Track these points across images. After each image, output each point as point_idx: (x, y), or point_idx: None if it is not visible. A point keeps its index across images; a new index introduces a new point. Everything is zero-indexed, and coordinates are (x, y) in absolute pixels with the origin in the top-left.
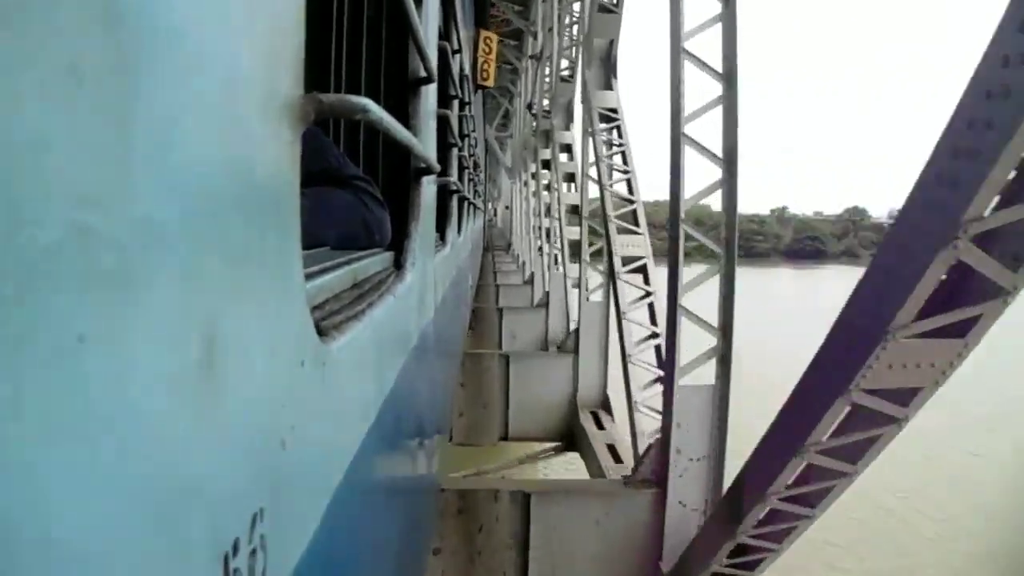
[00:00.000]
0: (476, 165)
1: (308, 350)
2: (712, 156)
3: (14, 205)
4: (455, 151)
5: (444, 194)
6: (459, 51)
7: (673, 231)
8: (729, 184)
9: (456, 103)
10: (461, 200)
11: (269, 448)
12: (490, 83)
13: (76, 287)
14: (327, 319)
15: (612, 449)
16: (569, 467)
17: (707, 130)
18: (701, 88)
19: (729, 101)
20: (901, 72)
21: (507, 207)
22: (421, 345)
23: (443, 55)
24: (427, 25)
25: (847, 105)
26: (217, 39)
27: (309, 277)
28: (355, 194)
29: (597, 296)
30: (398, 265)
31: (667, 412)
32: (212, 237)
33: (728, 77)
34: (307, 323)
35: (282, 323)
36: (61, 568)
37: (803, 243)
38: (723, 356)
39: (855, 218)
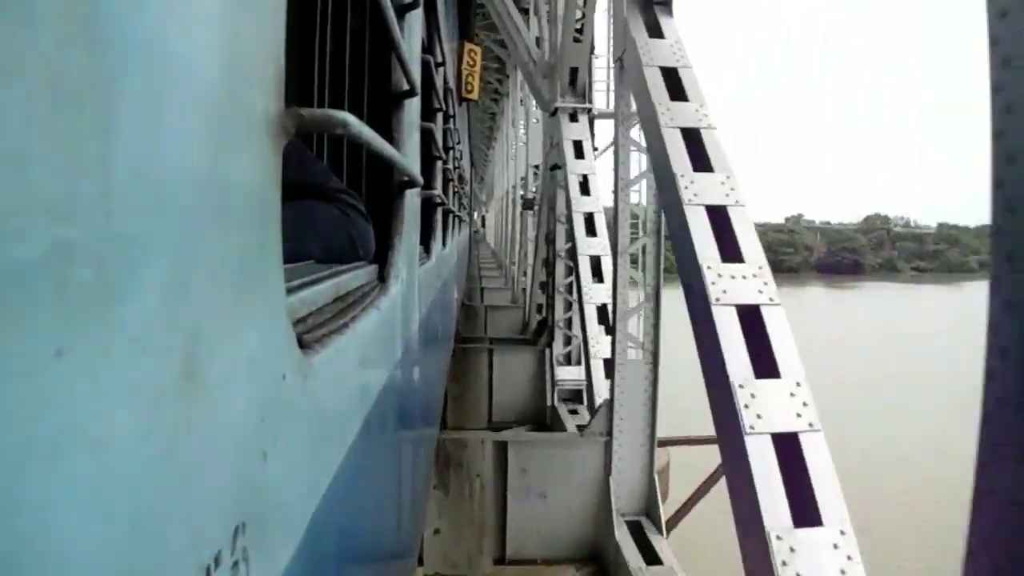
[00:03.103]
0: (461, 178)
1: (290, 363)
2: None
3: None
4: (439, 164)
5: (428, 207)
6: (443, 64)
7: (614, 256)
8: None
9: (440, 116)
10: (446, 213)
11: (250, 461)
12: (475, 96)
13: (54, 301)
14: (309, 332)
15: (581, 428)
16: None
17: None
18: None
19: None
20: (905, 75)
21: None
22: (406, 357)
23: (426, 68)
24: (410, 38)
25: (855, 109)
26: (198, 53)
27: (291, 291)
28: (339, 207)
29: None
30: (382, 278)
31: (612, 379)
32: (192, 251)
33: None
34: (289, 336)
35: (263, 337)
36: None
37: (836, 255)
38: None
39: (886, 226)
